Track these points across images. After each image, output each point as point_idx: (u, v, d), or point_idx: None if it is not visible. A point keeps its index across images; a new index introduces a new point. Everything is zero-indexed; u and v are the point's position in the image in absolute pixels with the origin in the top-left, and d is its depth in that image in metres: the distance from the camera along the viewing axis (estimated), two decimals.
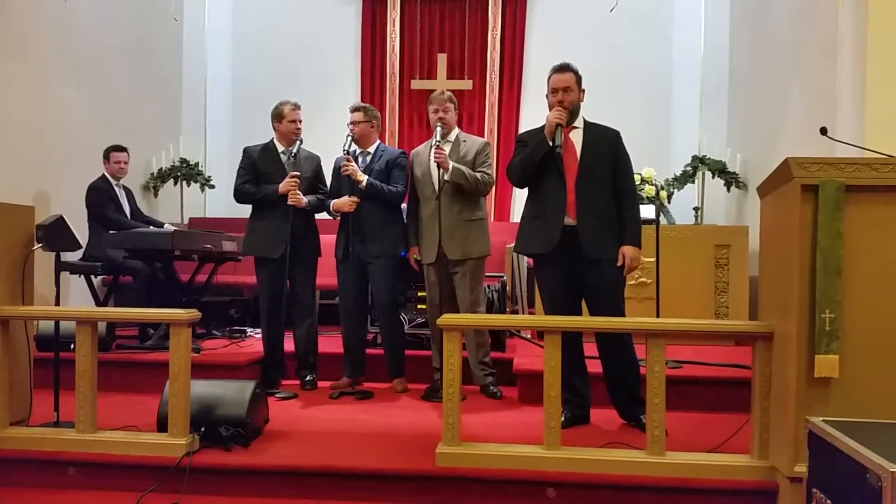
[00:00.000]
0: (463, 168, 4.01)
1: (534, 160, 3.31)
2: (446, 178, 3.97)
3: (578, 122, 3.40)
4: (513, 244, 5.29)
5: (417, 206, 4.20)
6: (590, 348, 3.41)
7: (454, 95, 4.26)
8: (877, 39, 4.12)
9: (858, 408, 2.33)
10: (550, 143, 3.25)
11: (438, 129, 4.05)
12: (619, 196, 3.34)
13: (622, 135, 3.42)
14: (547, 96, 3.41)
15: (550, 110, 3.32)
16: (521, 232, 3.48)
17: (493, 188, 7.63)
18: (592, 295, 3.35)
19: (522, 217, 3.50)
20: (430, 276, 4.12)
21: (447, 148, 4.06)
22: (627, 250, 3.28)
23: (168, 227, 5.18)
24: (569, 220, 3.28)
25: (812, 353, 2.38)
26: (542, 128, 3.34)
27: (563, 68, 3.37)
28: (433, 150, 3.99)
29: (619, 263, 3.28)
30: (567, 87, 3.32)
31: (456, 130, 4.21)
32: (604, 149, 3.35)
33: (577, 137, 3.36)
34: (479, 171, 4.06)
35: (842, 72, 4.34)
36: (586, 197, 3.28)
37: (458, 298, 4.08)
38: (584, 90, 3.41)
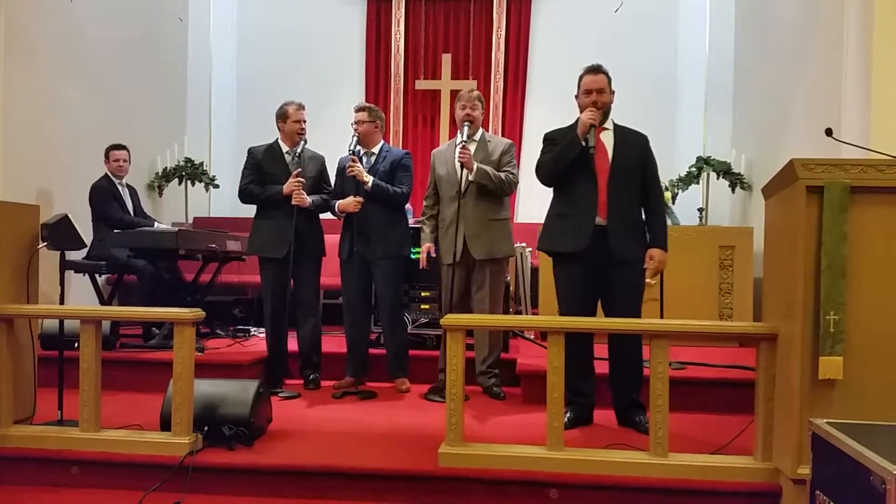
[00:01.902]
0: (487, 168, 3.96)
1: (566, 159, 3.30)
2: (470, 178, 3.94)
3: (608, 124, 3.41)
4: (517, 244, 5.30)
5: (437, 205, 4.17)
6: (597, 349, 3.41)
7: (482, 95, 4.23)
8: (882, 40, 4.11)
9: (862, 410, 2.33)
10: (583, 143, 3.25)
11: (466, 127, 4.01)
12: (646, 200, 3.37)
13: None
14: (576, 97, 3.42)
15: (581, 111, 3.33)
16: (548, 230, 3.46)
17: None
18: (613, 296, 3.33)
19: (548, 215, 3.48)
20: (448, 276, 4.03)
21: (472, 147, 4.02)
22: (656, 253, 3.30)
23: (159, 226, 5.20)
24: (599, 221, 3.28)
25: (816, 355, 2.37)
26: (572, 127, 3.35)
27: (596, 69, 3.38)
28: (458, 150, 3.93)
29: (645, 266, 3.29)
30: (601, 88, 3.34)
31: (481, 130, 4.16)
32: (634, 152, 3.37)
33: (608, 139, 3.37)
34: (504, 171, 4.02)
35: (847, 73, 4.33)
36: (616, 198, 3.28)
37: (477, 300, 4.04)
38: (613, 91, 3.41)
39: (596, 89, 3.33)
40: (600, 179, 3.30)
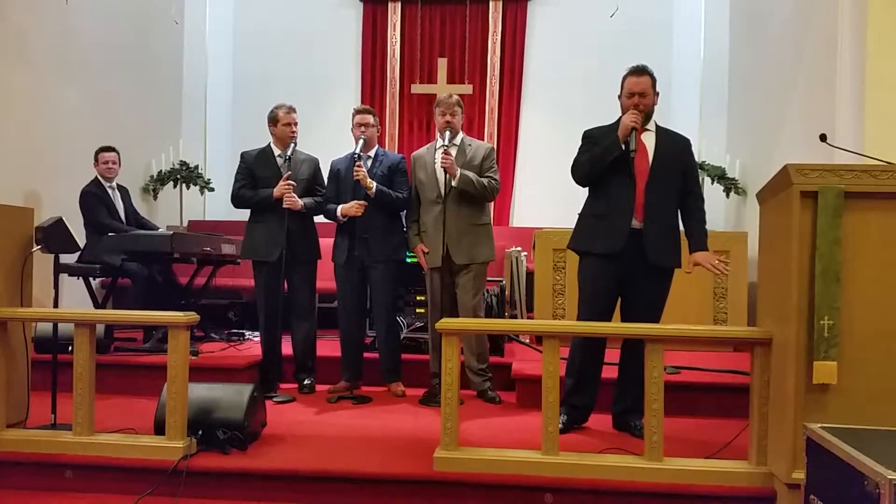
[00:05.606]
0: (471, 174, 3.97)
1: (605, 161, 3.26)
2: (454, 184, 3.94)
3: (650, 126, 3.36)
4: (513, 248, 5.31)
5: (419, 209, 4.18)
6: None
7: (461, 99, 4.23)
8: (876, 46, 4.13)
9: (856, 414, 2.33)
10: (623, 147, 3.22)
11: (447, 133, 4.03)
12: (686, 202, 3.32)
13: None
14: (619, 98, 3.38)
15: (623, 112, 3.30)
16: (582, 230, 3.41)
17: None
18: (639, 299, 3.30)
19: (582, 215, 3.44)
20: (433, 280, 4.09)
21: (453, 152, 4.04)
22: (699, 256, 3.27)
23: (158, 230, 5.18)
24: (635, 223, 3.24)
25: (810, 360, 2.38)
26: (613, 127, 3.31)
27: (641, 71, 3.33)
28: (440, 155, 3.93)
29: (688, 271, 3.27)
30: (643, 91, 3.29)
31: (461, 134, 4.17)
32: (675, 155, 3.33)
33: (649, 140, 3.32)
34: (487, 177, 4.03)
35: (841, 78, 4.35)
36: (654, 201, 3.24)
37: (460, 303, 4.06)
38: (658, 94, 3.36)
39: (638, 92, 3.28)
40: (638, 182, 3.25)
